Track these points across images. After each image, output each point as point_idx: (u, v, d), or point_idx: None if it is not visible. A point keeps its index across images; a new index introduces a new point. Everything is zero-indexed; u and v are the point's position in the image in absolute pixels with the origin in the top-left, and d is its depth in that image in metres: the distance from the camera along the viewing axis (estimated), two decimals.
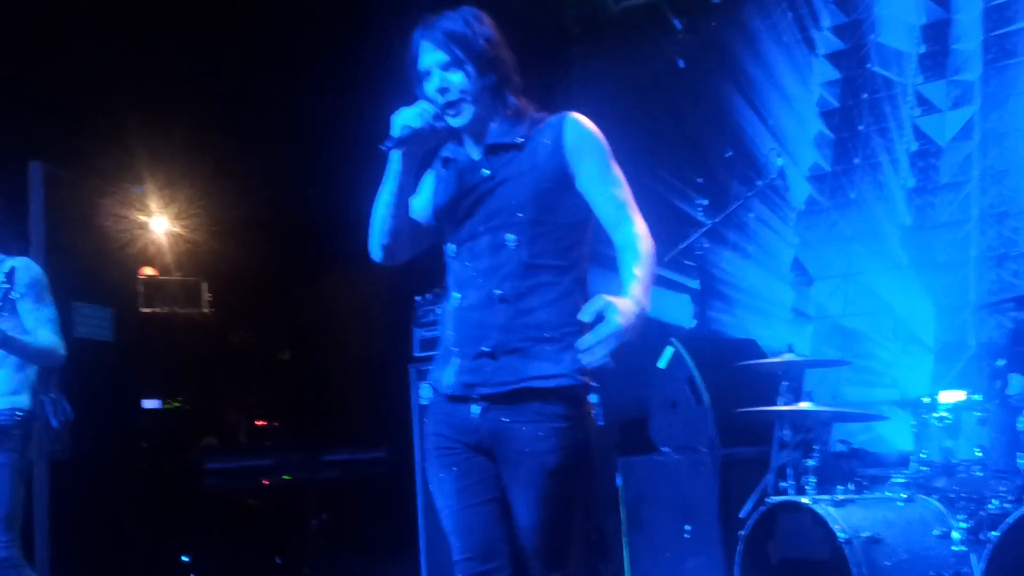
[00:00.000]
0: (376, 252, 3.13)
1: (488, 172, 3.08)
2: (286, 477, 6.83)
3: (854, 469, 4.73)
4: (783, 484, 4.52)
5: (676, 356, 5.11)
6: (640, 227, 3.00)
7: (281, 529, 6.77)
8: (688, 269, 5.94)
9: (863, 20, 5.98)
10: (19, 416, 4.54)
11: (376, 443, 6.88)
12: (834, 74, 6.09)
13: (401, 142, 3.00)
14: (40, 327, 4.57)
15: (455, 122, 3.06)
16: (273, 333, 7.55)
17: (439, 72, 3.05)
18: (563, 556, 3.05)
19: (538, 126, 3.08)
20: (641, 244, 2.96)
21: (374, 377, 6.69)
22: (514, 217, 3.01)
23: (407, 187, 3.08)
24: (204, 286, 6.97)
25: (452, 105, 3.05)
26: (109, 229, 6.64)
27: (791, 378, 4.66)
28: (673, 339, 5.15)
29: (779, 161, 5.57)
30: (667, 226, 6.30)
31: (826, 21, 6.13)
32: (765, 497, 4.51)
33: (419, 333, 5.45)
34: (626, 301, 2.78)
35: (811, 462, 4.45)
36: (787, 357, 4.61)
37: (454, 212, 3.08)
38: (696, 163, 6.48)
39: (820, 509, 4.16)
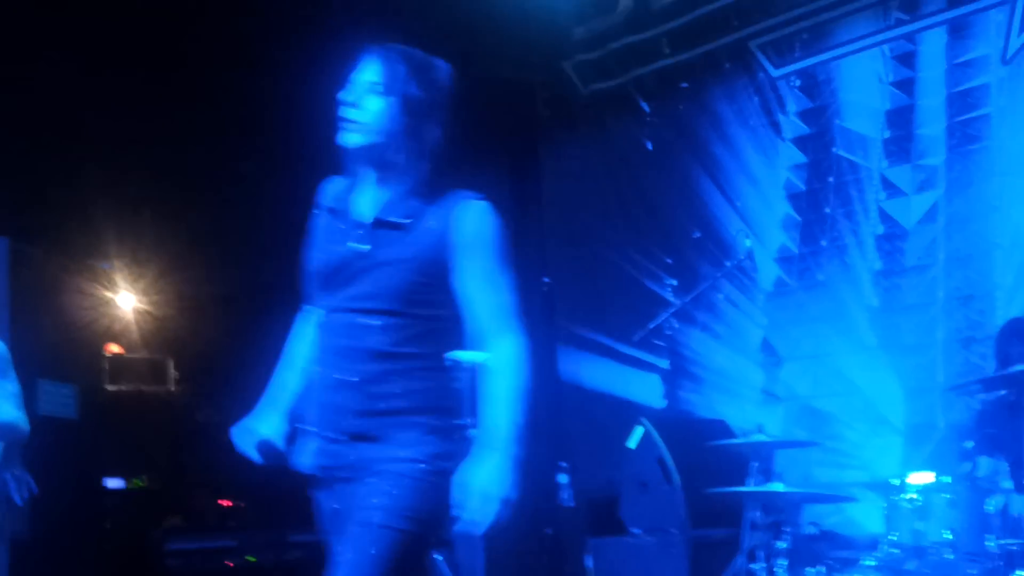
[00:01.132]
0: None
1: (368, 248, 2.91)
2: (250, 559, 6.71)
3: (825, 551, 4.71)
4: (754, 566, 4.48)
5: (646, 436, 5.10)
6: (520, 345, 2.84)
7: None
8: (657, 349, 5.96)
9: (828, 105, 6.07)
10: None
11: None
12: (800, 158, 6.17)
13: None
14: (3, 402, 4.51)
15: (344, 139, 2.89)
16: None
17: (364, 90, 2.90)
18: None
19: (431, 206, 2.89)
20: (518, 370, 2.83)
21: None
22: (382, 303, 2.87)
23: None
24: (171, 363, 6.91)
25: (353, 122, 2.88)
26: (75, 305, 6.57)
27: (761, 459, 4.64)
28: (643, 419, 5.14)
29: (747, 242, 5.62)
30: (636, 306, 6.34)
31: (792, 106, 6.22)
32: None
33: None
34: (485, 483, 2.71)
35: (782, 544, 4.41)
36: (757, 438, 4.61)
37: (327, 279, 2.95)
38: (665, 243, 6.52)
39: None
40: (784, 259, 6.12)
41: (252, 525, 6.80)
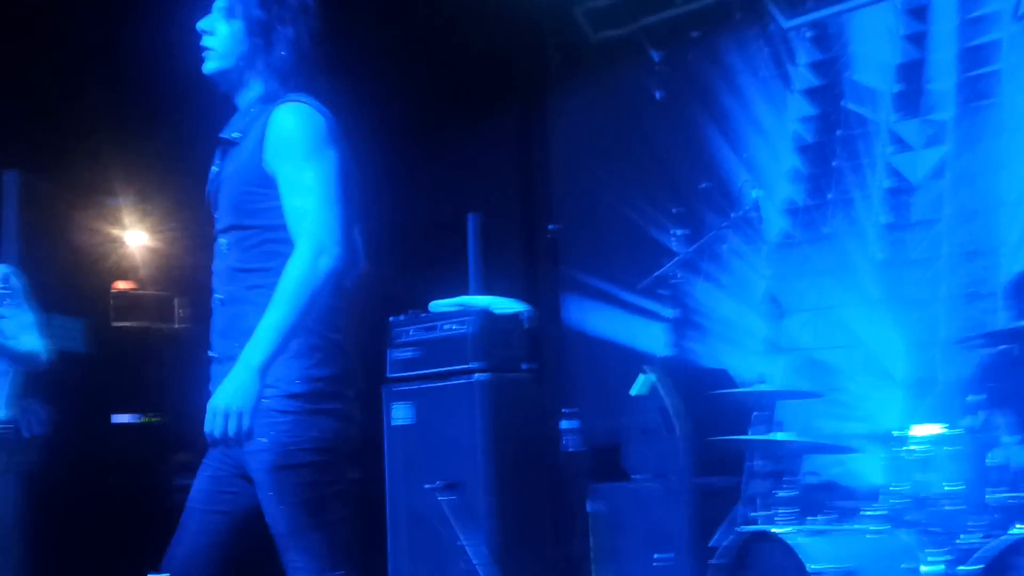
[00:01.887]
0: None
1: (216, 169, 3.03)
2: None
3: (826, 501, 4.77)
4: (754, 514, 4.55)
5: (650, 384, 5.14)
6: (312, 243, 2.79)
7: (248, 549, 6.70)
8: (663, 298, 5.98)
9: (839, 58, 6.06)
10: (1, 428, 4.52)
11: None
12: (809, 110, 6.16)
13: None
14: (23, 332, 4.56)
15: (206, 67, 3.02)
16: None
17: (215, 14, 3.03)
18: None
19: (260, 117, 2.95)
20: (298, 268, 2.78)
21: None
22: (226, 220, 2.95)
23: None
24: (177, 301, 6.92)
25: (208, 49, 3.02)
26: (83, 242, 6.59)
27: (763, 408, 4.69)
28: (647, 367, 5.18)
29: (754, 194, 5.63)
30: (642, 255, 6.36)
31: (802, 57, 6.20)
32: (737, 527, 4.53)
33: (393, 354, 5.44)
34: (218, 393, 2.75)
35: (783, 493, 4.47)
36: (760, 387, 4.65)
37: (210, 207, 3.06)
38: (672, 193, 6.52)
39: (792, 540, 4.19)
40: (790, 211, 6.14)
41: None
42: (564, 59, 7.22)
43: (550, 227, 6.01)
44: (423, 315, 5.43)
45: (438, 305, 5.43)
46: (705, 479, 4.92)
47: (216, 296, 2.97)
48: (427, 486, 4.98)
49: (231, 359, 2.83)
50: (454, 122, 7.20)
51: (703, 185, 6.40)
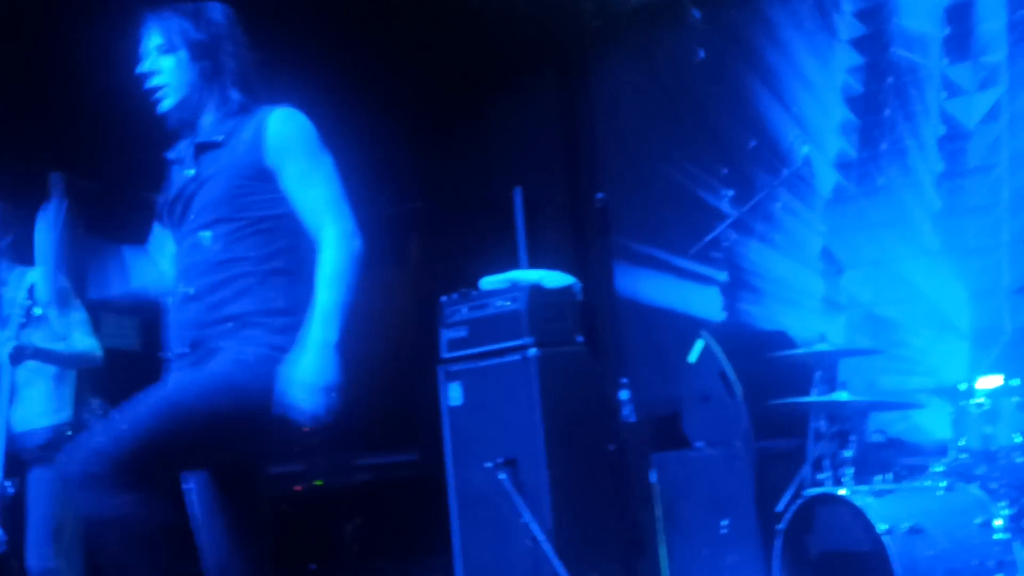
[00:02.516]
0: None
1: (192, 172, 3.12)
2: (318, 482, 6.81)
3: (892, 459, 4.67)
4: (820, 476, 4.47)
5: (706, 350, 5.07)
6: (340, 232, 3.01)
7: (315, 535, 6.75)
8: (715, 261, 5.90)
9: (885, 4, 5.91)
10: (67, 433, 4.55)
11: (407, 446, 6.86)
12: (857, 59, 6.02)
13: None
14: (75, 331, 4.59)
15: (161, 107, 3.13)
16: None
17: (154, 54, 3.14)
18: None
19: (245, 121, 3.11)
20: (337, 256, 2.99)
21: (402, 379, 6.67)
22: (211, 215, 3.06)
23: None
24: None
25: (158, 90, 3.12)
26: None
27: (825, 368, 4.60)
28: (703, 332, 5.11)
29: (804, 149, 5.51)
30: (692, 218, 6.26)
31: (848, 6, 6.06)
32: (802, 490, 4.45)
33: (446, 334, 5.41)
34: (304, 372, 2.87)
35: (848, 453, 4.38)
36: (820, 347, 4.56)
37: (171, 216, 3.17)
38: (720, 154, 6.43)
39: (859, 500, 4.10)
40: (843, 165, 6.01)
41: (317, 449, 6.89)
42: (602, 24, 7.12)
43: (597, 196, 5.93)
44: (474, 293, 5.39)
45: (488, 282, 5.39)
46: (767, 443, 4.84)
47: (185, 291, 3.07)
48: (487, 464, 4.95)
49: (209, 351, 2.98)
50: (495, 97, 7.16)
51: (751, 144, 6.29)
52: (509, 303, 5.18)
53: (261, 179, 3.06)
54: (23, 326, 4.35)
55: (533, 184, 6.11)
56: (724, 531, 4.81)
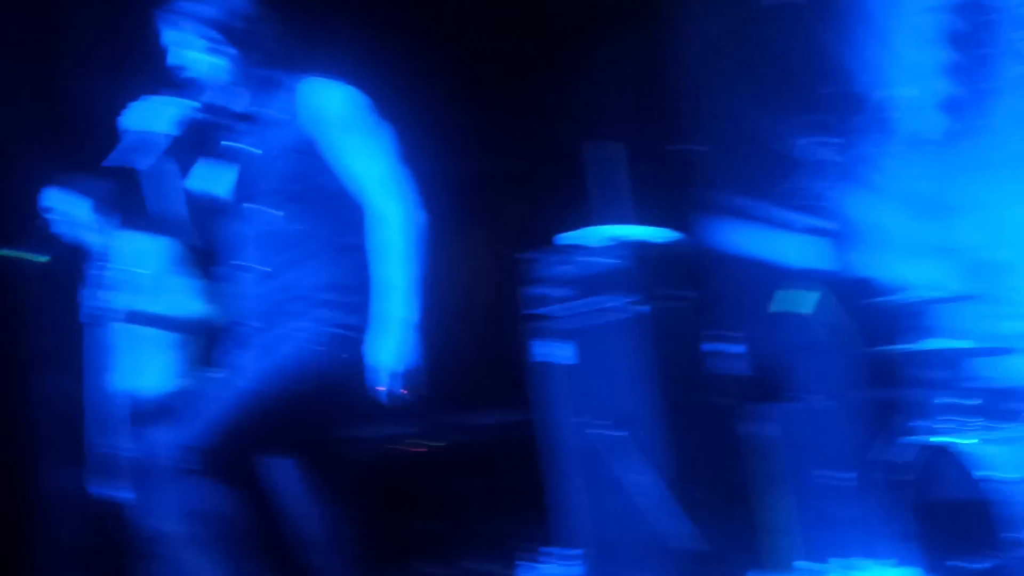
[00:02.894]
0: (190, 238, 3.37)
1: (255, 151, 3.18)
2: (428, 444, 6.90)
3: (998, 405, 4.63)
4: (933, 425, 4.45)
5: (811, 300, 5.04)
6: (401, 206, 2.99)
7: (427, 496, 6.85)
8: (812, 210, 5.85)
9: None
10: (186, 399, 4.66)
11: (516, 406, 6.91)
12: None
13: (164, 153, 3.16)
14: (190, 299, 4.69)
15: (201, 98, 3.19)
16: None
17: (179, 47, 3.17)
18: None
19: (285, 94, 3.13)
20: (404, 228, 2.97)
21: (507, 340, 6.70)
22: (275, 193, 3.11)
23: (183, 182, 3.26)
24: None
25: (205, 77, 3.17)
26: None
27: (928, 315, 4.57)
28: (809, 284, 5.08)
29: (897, 92, 5.44)
30: (786, 169, 6.20)
31: None
32: (907, 439, 4.44)
33: (550, 292, 5.43)
34: (387, 355, 2.90)
35: (953, 400, 4.37)
36: (925, 294, 4.53)
37: (231, 192, 3.23)
38: (813, 102, 6.33)
39: (972, 449, 4.09)
40: (943, 106, 5.90)
41: (429, 411, 6.97)
42: None
43: (685, 148, 5.89)
44: (567, 249, 5.39)
45: (589, 238, 5.39)
46: (878, 392, 4.82)
47: (257, 266, 3.12)
48: (591, 424, 4.98)
49: (279, 321, 3.03)
50: (572, 51, 7.11)
51: (847, 88, 6.19)
52: (613, 259, 5.18)
53: (315, 153, 3.07)
54: (133, 292, 4.46)
55: (620, 139, 6.07)
56: (839, 483, 4.81)
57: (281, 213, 3.07)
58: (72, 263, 4.94)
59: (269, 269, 3.08)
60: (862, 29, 6.17)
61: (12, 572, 5.92)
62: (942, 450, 4.23)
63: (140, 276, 4.71)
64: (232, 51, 3.12)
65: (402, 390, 2.93)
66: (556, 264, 5.43)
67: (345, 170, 3.05)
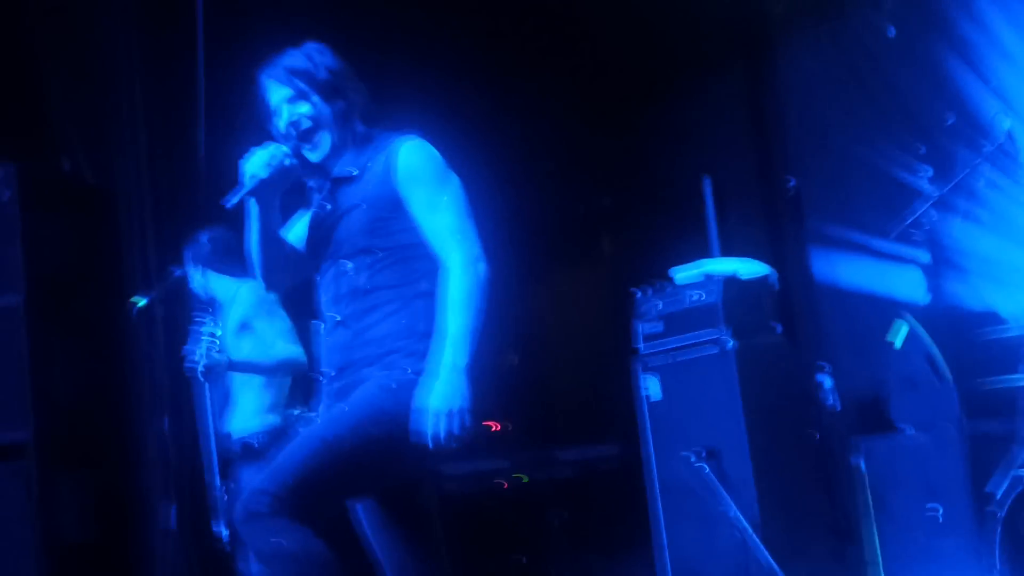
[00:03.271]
0: (261, 282, 3.34)
1: (329, 207, 3.21)
2: (523, 478, 6.92)
3: None
4: None
5: (911, 332, 4.94)
6: (466, 253, 3.07)
7: (521, 529, 6.85)
8: (917, 242, 5.74)
9: None
10: (274, 437, 4.75)
11: (607, 439, 6.89)
12: None
13: (248, 193, 3.14)
14: (278, 339, 4.78)
15: (313, 156, 3.21)
16: (500, 337, 7.66)
17: (287, 107, 3.20)
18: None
19: (376, 154, 3.18)
20: (463, 279, 3.03)
21: (599, 373, 6.70)
22: (350, 247, 3.15)
23: (269, 227, 3.22)
24: None
25: (307, 136, 3.19)
26: None
27: None
28: (906, 315, 4.99)
29: (1007, 123, 5.32)
30: (891, 200, 6.10)
31: None
32: (1014, 471, 4.30)
33: (641, 327, 5.43)
34: (433, 398, 2.95)
35: None
36: None
37: (313, 247, 3.25)
38: (916, 133, 6.23)
39: None
40: None
41: (521, 446, 6.99)
42: (787, 7, 7.01)
43: (789, 181, 5.84)
44: (668, 286, 5.39)
45: (682, 274, 5.38)
46: (979, 425, 4.69)
47: (332, 317, 3.18)
48: (687, 456, 4.94)
49: (352, 369, 3.12)
50: (680, 87, 7.12)
51: (950, 120, 6.08)
52: (704, 295, 5.16)
53: (396, 209, 3.14)
54: (211, 343, 4.56)
55: (723, 173, 6.06)
56: (937, 517, 4.68)
57: (351, 264, 3.13)
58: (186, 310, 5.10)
59: (339, 318, 3.15)
60: (972, 60, 6.06)
61: None
62: None
63: (235, 321, 4.82)
64: (332, 107, 3.18)
65: (447, 433, 2.95)
66: (658, 299, 5.42)
67: (420, 223, 3.12)
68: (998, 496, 4.26)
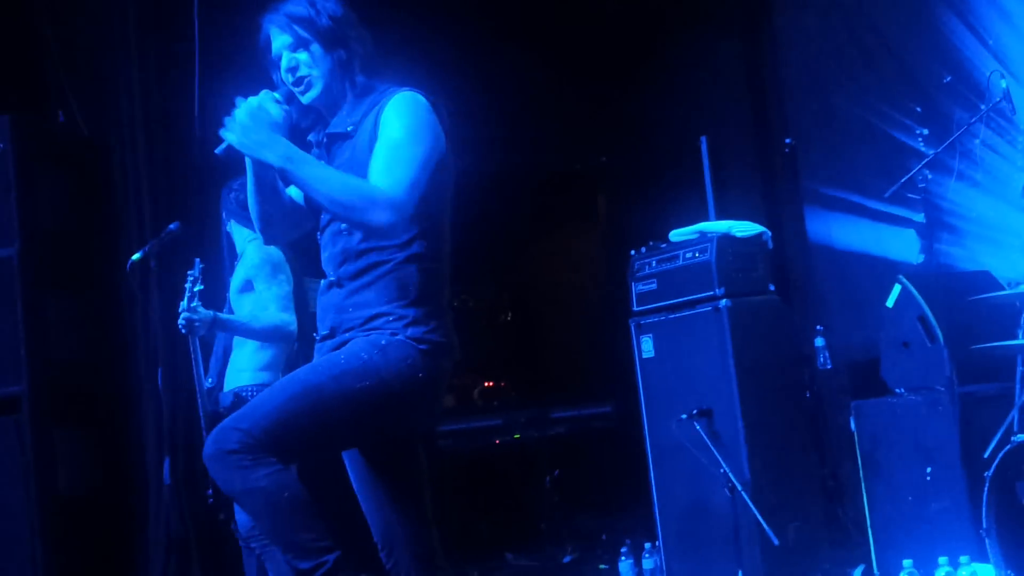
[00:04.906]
0: (260, 235, 3.31)
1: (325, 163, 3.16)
2: (516, 436, 6.95)
3: None
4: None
5: (905, 293, 4.94)
6: (381, 193, 2.99)
7: (515, 487, 6.90)
8: (912, 202, 5.73)
9: None
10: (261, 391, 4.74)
11: (602, 398, 6.93)
12: None
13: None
14: (268, 305, 4.75)
15: (306, 98, 3.17)
16: (493, 295, 7.69)
17: (287, 53, 3.17)
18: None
19: (370, 109, 3.14)
20: (365, 189, 2.99)
21: (595, 333, 6.73)
22: None
23: (265, 176, 3.17)
24: None
25: (300, 82, 3.16)
26: None
27: None
28: (901, 276, 4.98)
29: (1003, 83, 5.29)
30: (886, 160, 6.09)
31: None
32: (1010, 436, 4.32)
33: (636, 287, 5.43)
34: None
35: None
36: None
37: (310, 203, 3.20)
38: (913, 92, 6.21)
39: None
40: None
41: (515, 404, 7.03)
42: None
43: (785, 141, 5.83)
44: (663, 246, 5.39)
45: (677, 234, 5.37)
46: (972, 388, 4.70)
47: (329, 278, 3.17)
48: (681, 415, 4.96)
49: (347, 331, 3.11)
50: (676, 47, 7.09)
51: (946, 79, 6.05)
52: (698, 254, 5.15)
53: None
54: (191, 299, 4.54)
55: (719, 133, 6.03)
56: (928, 478, 4.71)
57: (345, 226, 3.09)
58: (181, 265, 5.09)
59: (334, 278, 3.13)
60: (969, 19, 6.03)
61: (116, 562, 6.10)
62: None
63: (240, 278, 4.81)
64: (337, 53, 3.14)
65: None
66: (652, 257, 5.42)
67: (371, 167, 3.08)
68: (985, 456, 4.29)
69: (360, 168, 3.06)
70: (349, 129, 3.15)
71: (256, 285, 4.76)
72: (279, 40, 3.18)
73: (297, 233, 3.34)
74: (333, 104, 3.21)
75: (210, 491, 4.69)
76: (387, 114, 3.10)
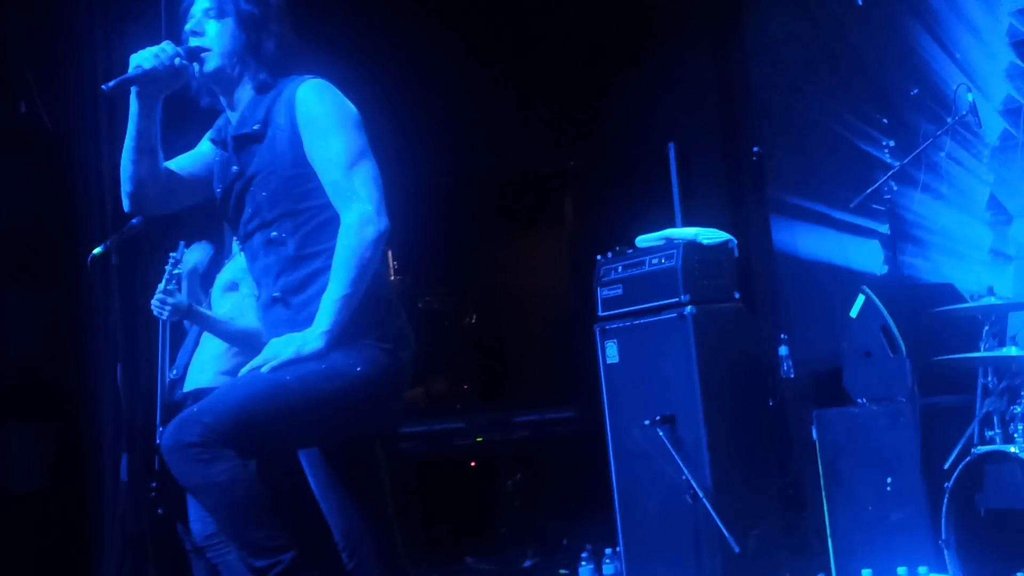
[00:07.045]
0: (123, 200, 3.13)
1: (237, 168, 3.06)
2: (479, 439, 6.92)
3: None
4: (989, 433, 4.36)
5: (868, 304, 4.96)
6: (357, 213, 2.89)
7: (476, 491, 6.87)
8: (876, 213, 5.76)
9: None
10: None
11: (565, 403, 6.91)
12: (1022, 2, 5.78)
13: (126, 82, 2.96)
14: (247, 311, 4.70)
15: (201, 70, 3.04)
16: (458, 298, 7.67)
17: (200, 16, 3.07)
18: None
19: (275, 103, 3.01)
20: (349, 242, 2.88)
21: (560, 337, 6.72)
22: (271, 212, 2.99)
23: (147, 132, 3.04)
24: (389, 253, 7.09)
25: (200, 51, 3.04)
26: None
27: (994, 322, 4.47)
28: (864, 287, 5.00)
29: (969, 96, 5.33)
30: (852, 170, 6.13)
31: None
32: (970, 447, 4.35)
33: (602, 292, 5.42)
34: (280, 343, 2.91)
35: (1018, 409, 4.27)
36: (988, 300, 4.43)
37: (225, 209, 3.10)
38: (880, 103, 6.25)
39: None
40: (1010, 111, 5.79)
41: (478, 407, 7.00)
42: None
43: (753, 149, 5.84)
44: (629, 251, 5.39)
45: (644, 240, 5.37)
46: (933, 399, 4.73)
47: (270, 294, 3.05)
48: (645, 421, 4.95)
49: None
50: (647, 53, 7.10)
51: (913, 92, 6.10)
52: (664, 260, 5.15)
53: (308, 165, 2.98)
54: (168, 285, 4.50)
55: (688, 140, 6.03)
56: (889, 488, 4.73)
57: (276, 233, 2.98)
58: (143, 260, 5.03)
59: (277, 294, 3.02)
60: (937, 33, 6.07)
61: (69, 560, 6.04)
62: (998, 457, 4.15)
63: (226, 277, 4.77)
64: (247, 36, 3.04)
65: (266, 363, 2.93)
66: (618, 262, 5.42)
67: (318, 175, 2.95)
68: (945, 467, 4.31)
69: (284, 169, 2.98)
70: (256, 128, 3.02)
71: (241, 288, 4.71)
72: (200, 1, 3.09)
73: (165, 209, 3.20)
74: (223, 88, 3.09)
75: (154, 484, 4.63)
76: (309, 109, 2.98)
